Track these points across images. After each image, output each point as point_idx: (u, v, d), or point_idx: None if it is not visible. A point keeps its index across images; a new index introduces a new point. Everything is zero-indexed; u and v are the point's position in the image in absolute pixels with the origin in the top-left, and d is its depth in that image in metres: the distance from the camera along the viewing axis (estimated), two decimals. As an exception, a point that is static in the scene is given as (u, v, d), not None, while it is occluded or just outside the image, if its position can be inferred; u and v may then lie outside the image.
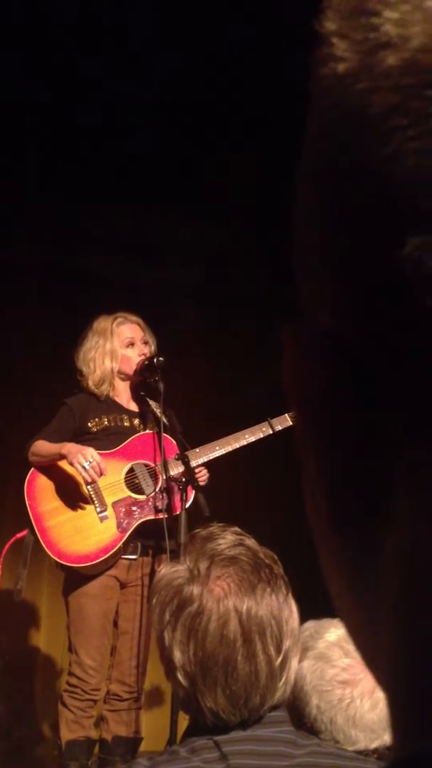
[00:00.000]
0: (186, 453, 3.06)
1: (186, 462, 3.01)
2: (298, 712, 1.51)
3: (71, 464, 2.97)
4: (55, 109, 4.00)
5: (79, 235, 4.44)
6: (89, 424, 3.16)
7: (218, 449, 3.17)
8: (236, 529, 1.20)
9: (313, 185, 0.28)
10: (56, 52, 3.74)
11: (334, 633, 1.52)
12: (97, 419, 3.18)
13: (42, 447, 3.06)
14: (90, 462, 2.94)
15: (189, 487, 2.99)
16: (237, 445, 3.20)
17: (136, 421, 3.23)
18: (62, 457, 3.00)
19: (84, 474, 2.95)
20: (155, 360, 3.15)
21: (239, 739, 1.09)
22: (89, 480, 2.98)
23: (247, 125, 4.05)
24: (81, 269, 4.51)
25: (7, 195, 4.14)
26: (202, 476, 3.15)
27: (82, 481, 3.02)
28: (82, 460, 2.94)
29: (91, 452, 2.97)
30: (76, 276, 4.47)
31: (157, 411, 3.15)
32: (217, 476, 3.26)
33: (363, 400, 0.27)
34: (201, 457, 3.14)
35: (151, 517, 3.06)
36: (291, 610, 1.14)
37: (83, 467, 2.94)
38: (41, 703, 4.17)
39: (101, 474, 2.98)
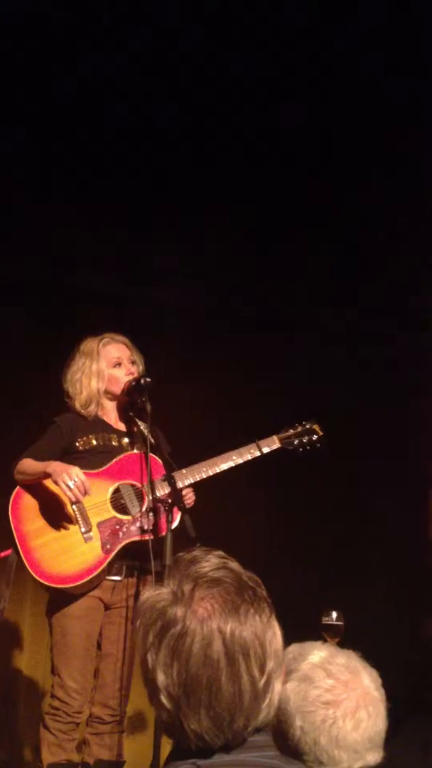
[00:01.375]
0: (173, 474, 3.06)
1: (172, 483, 3.01)
2: (282, 734, 1.50)
3: (56, 483, 2.96)
4: (49, 125, 4.03)
5: (68, 253, 4.46)
6: (77, 443, 3.16)
7: (205, 470, 3.17)
8: (220, 552, 1.20)
9: None
10: (53, 64, 3.77)
11: (317, 655, 1.53)
12: (84, 438, 3.17)
13: (28, 465, 3.05)
14: (75, 481, 2.93)
15: (175, 509, 2.98)
16: (224, 467, 3.20)
17: (125, 441, 3.23)
18: (47, 475, 2.99)
19: (68, 493, 2.94)
20: (142, 380, 3.15)
21: (222, 764, 1.08)
22: (73, 499, 2.97)
23: (243, 142, 4.09)
24: (70, 286, 4.51)
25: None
26: (189, 498, 3.14)
27: (67, 501, 3.01)
28: (66, 479, 2.93)
29: (75, 471, 2.96)
30: (65, 293, 4.48)
31: (145, 431, 3.15)
32: (204, 498, 3.25)
33: None
34: (188, 478, 3.13)
35: (137, 538, 3.05)
36: (274, 632, 1.14)
37: (68, 486, 2.93)
38: (23, 725, 4.12)
39: (86, 493, 2.97)
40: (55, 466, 2.98)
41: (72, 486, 2.93)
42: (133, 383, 3.18)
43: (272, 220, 4.41)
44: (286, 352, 4.72)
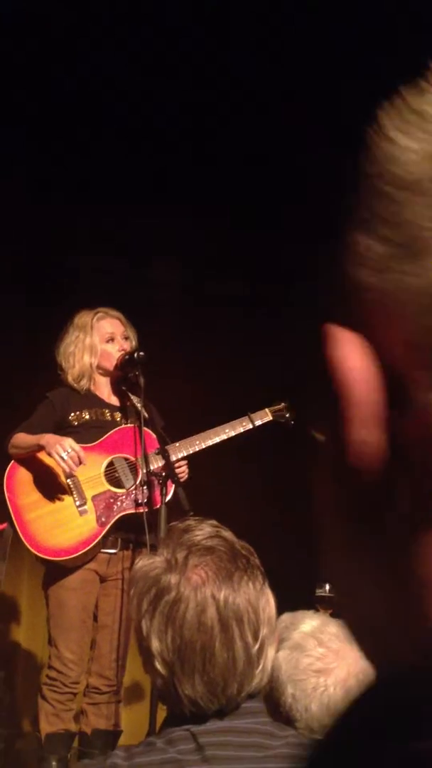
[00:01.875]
0: (166, 447, 3.06)
1: (166, 456, 3.02)
2: (273, 702, 1.52)
3: (49, 454, 2.97)
4: (46, 110, 3.99)
5: (61, 233, 4.43)
6: (70, 417, 3.16)
7: (198, 443, 3.18)
8: (213, 521, 1.21)
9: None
10: (51, 49, 3.73)
11: (308, 624, 1.54)
12: (78, 413, 3.18)
13: (21, 439, 3.06)
14: (68, 452, 2.94)
15: (169, 482, 2.99)
16: (217, 440, 3.21)
17: (118, 415, 3.23)
18: (41, 447, 2.99)
19: (62, 464, 2.95)
20: (136, 355, 3.15)
21: (216, 730, 1.09)
22: (67, 470, 2.98)
23: (238, 125, 4.06)
24: (63, 267, 4.50)
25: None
26: (183, 471, 3.15)
27: (61, 474, 3.02)
28: (60, 450, 2.94)
29: (69, 442, 2.97)
30: (59, 273, 4.46)
31: (138, 405, 3.15)
32: (198, 471, 3.26)
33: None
34: (181, 451, 3.14)
35: (131, 510, 3.07)
36: (267, 599, 1.15)
37: (61, 457, 2.94)
38: (21, 697, 4.17)
39: (80, 463, 2.98)
40: (48, 438, 2.98)
41: (66, 457, 2.93)
42: (127, 357, 3.18)
43: (267, 197, 4.39)
44: (280, 325, 4.71)
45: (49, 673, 3.03)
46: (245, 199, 4.36)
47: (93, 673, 3.09)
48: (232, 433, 3.24)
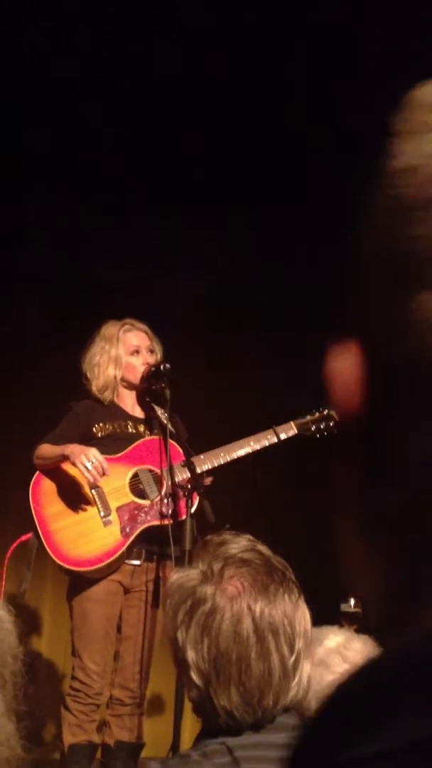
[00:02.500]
0: (192, 459, 3.06)
1: (192, 468, 3.01)
2: (299, 718, 1.52)
3: (74, 464, 2.98)
4: (63, 115, 4.03)
5: (85, 242, 4.46)
6: (94, 429, 3.17)
7: (223, 456, 3.17)
8: (249, 536, 1.22)
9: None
10: (63, 57, 3.77)
11: (333, 640, 1.54)
12: (101, 424, 3.19)
13: (46, 450, 3.08)
14: (93, 462, 2.95)
15: (194, 494, 2.99)
16: (242, 453, 3.20)
17: (141, 428, 3.24)
18: (65, 458, 3.01)
19: (86, 474, 2.96)
20: (162, 367, 3.15)
21: (252, 744, 1.09)
22: (91, 480, 2.99)
23: (255, 135, 4.07)
24: (87, 276, 4.52)
25: (13, 200, 4.16)
26: (206, 481, 3.15)
27: (86, 485, 3.03)
28: (84, 460, 2.95)
29: (93, 452, 2.98)
30: (82, 282, 4.49)
31: (163, 417, 3.15)
32: (222, 483, 3.26)
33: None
34: (206, 463, 3.14)
35: (156, 522, 3.07)
36: (303, 613, 1.15)
37: (86, 467, 2.95)
38: (44, 707, 4.17)
39: (104, 474, 2.99)
40: (72, 448, 3.00)
41: (90, 467, 2.94)
42: (152, 369, 3.19)
43: (294, 211, 4.41)
44: (304, 338, 4.71)
45: (72, 684, 3.02)
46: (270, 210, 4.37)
47: (116, 685, 3.09)
48: (257, 447, 3.23)
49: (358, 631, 1.67)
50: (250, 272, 4.65)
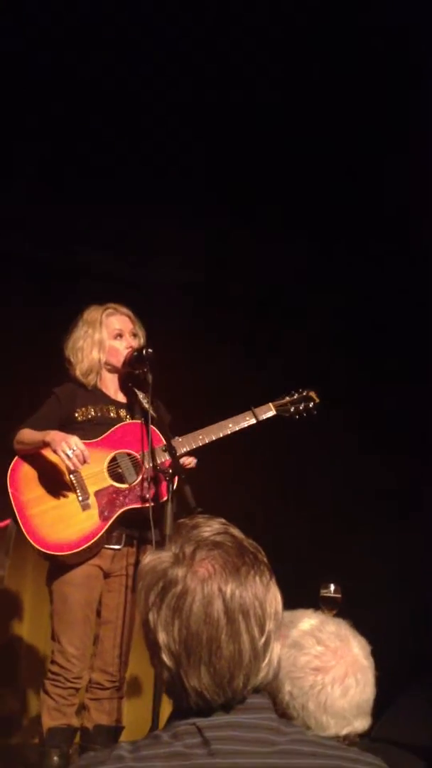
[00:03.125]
0: (173, 444, 3.06)
1: (173, 453, 3.01)
2: (271, 698, 1.52)
3: (55, 452, 2.97)
4: (53, 106, 3.99)
5: (72, 232, 4.44)
6: (75, 414, 3.16)
7: (201, 438, 3.17)
8: (222, 519, 1.22)
9: None
10: (54, 50, 3.73)
11: (307, 623, 1.55)
12: (83, 409, 3.18)
13: (26, 435, 3.06)
14: (73, 450, 2.94)
15: (174, 478, 2.99)
16: (221, 434, 3.20)
17: (123, 412, 3.23)
18: (46, 444, 3.00)
19: (67, 462, 2.95)
20: (144, 351, 3.15)
21: (222, 725, 1.10)
22: (72, 468, 2.98)
23: (243, 123, 4.06)
24: (73, 266, 4.51)
25: (1, 191, 4.13)
26: (189, 463, 3.15)
27: (65, 470, 3.02)
28: (65, 447, 2.94)
29: (74, 440, 2.97)
30: (68, 272, 4.47)
31: (145, 402, 3.15)
32: (202, 467, 3.26)
33: None
34: (184, 446, 3.14)
35: (134, 506, 3.07)
36: (274, 595, 1.15)
37: (66, 455, 2.94)
38: (24, 691, 4.18)
39: (84, 462, 2.98)
40: (53, 435, 2.98)
41: (71, 455, 2.94)
42: (135, 354, 3.18)
43: (269, 198, 4.40)
44: (285, 324, 4.73)
45: (51, 667, 3.02)
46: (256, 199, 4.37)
47: (96, 669, 3.09)
48: (236, 428, 3.23)
49: (336, 615, 1.68)
50: (233, 261, 4.65)
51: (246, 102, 3.96)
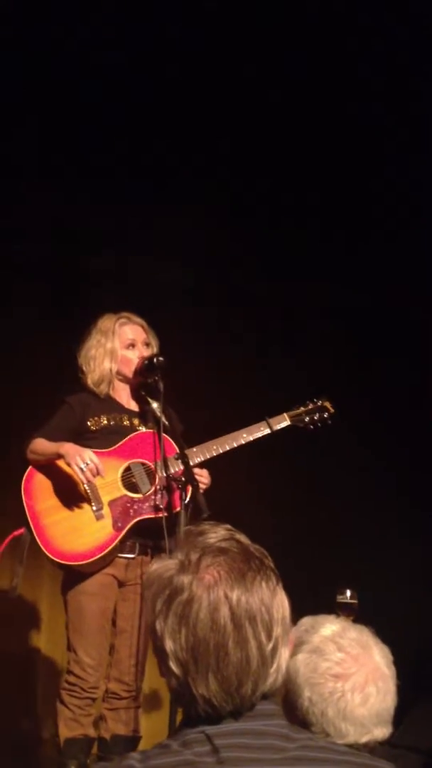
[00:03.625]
0: (185, 452, 3.06)
1: (186, 461, 3.01)
2: (290, 704, 1.52)
3: (68, 464, 2.98)
4: (56, 105, 4.01)
5: (78, 233, 4.46)
6: (88, 423, 3.17)
7: (215, 449, 3.17)
8: (228, 525, 1.21)
9: None
10: (58, 44, 3.75)
11: (329, 628, 1.54)
12: (96, 418, 3.18)
13: (40, 446, 3.07)
14: (87, 464, 2.95)
15: (187, 487, 2.99)
16: (235, 445, 3.20)
17: (136, 421, 3.24)
18: (60, 456, 3.00)
19: (81, 476, 2.96)
20: (155, 360, 3.15)
21: (231, 732, 1.09)
22: (86, 482, 2.98)
23: (248, 120, 4.06)
24: (80, 267, 4.52)
25: (6, 191, 4.15)
26: (203, 477, 3.15)
27: (79, 481, 3.03)
28: (79, 461, 2.95)
29: (89, 454, 2.97)
30: (76, 274, 4.48)
31: (157, 411, 3.15)
32: (217, 476, 3.26)
33: None
34: (198, 456, 3.14)
35: (148, 516, 3.07)
36: (281, 600, 1.15)
37: (80, 468, 2.95)
38: (42, 701, 4.17)
39: (98, 475, 2.99)
40: (68, 448, 2.99)
41: (84, 468, 2.94)
42: (146, 362, 3.18)
43: (275, 194, 4.40)
44: (294, 327, 4.72)
45: (68, 678, 3.03)
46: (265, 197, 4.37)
47: (112, 679, 3.09)
48: (250, 438, 3.23)
49: (354, 621, 1.67)
50: (247, 260, 4.64)
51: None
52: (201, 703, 1.10)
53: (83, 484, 3.01)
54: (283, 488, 4.50)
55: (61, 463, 3.05)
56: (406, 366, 4.59)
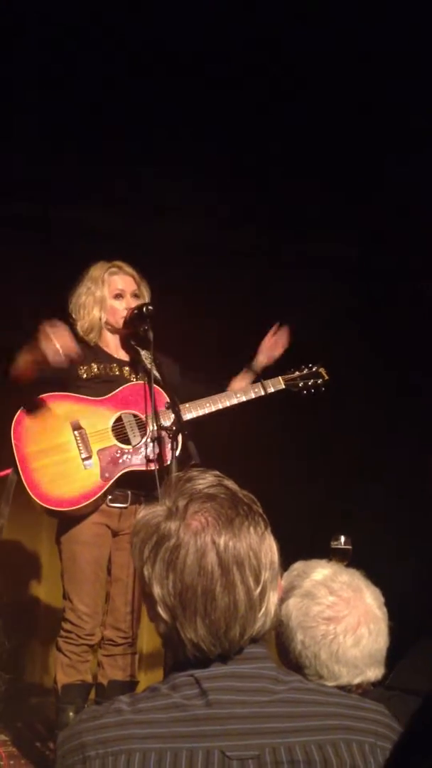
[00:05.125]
0: (176, 402, 3.04)
1: (176, 411, 3.00)
2: (283, 648, 1.53)
3: (41, 344, 2.83)
4: (54, 64, 3.90)
5: (76, 189, 4.39)
6: (79, 371, 3.14)
7: (208, 406, 3.17)
8: (216, 471, 1.21)
9: None
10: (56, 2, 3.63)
11: (320, 573, 1.55)
12: (86, 366, 3.16)
13: (18, 358, 2.94)
14: (56, 327, 2.84)
15: (179, 438, 2.98)
16: (228, 404, 3.21)
17: (126, 370, 3.21)
18: (34, 348, 2.86)
19: (55, 343, 2.81)
20: (144, 309, 3.11)
21: (219, 675, 1.10)
22: (60, 350, 2.83)
23: (247, 79, 3.97)
24: (78, 222, 4.46)
25: (4, 149, 4.07)
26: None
27: (69, 426, 3.01)
28: (48, 331, 2.82)
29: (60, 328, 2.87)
30: (74, 229, 4.43)
31: (147, 361, 3.12)
32: (214, 426, 3.26)
33: None
34: (190, 412, 3.14)
35: (138, 467, 3.06)
36: (269, 545, 1.14)
37: (49, 334, 2.82)
38: (40, 649, 4.23)
39: (74, 350, 2.87)
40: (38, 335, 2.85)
41: (53, 333, 2.83)
42: (135, 311, 3.14)
43: (274, 153, 4.32)
44: (292, 288, 4.68)
45: (64, 625, 3.06)
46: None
47: (108, 626, 3.13)
48: (243, 398, 3.26)
49: (347, 566, 1.68)
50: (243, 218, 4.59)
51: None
52: (189, 648, 1.10)
53: (61, 352, 2.85)
54: (282, 435, 4.52)
55: (52, 406, 3.03)
56: (416, 320, 4.57)
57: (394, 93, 3.96)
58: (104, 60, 3.86)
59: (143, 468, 3.05)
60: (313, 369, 3.37)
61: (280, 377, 3.33)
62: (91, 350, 3.19)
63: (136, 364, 3.22)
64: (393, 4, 3.48)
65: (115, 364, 3.21)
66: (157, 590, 1.11)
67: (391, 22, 3.57)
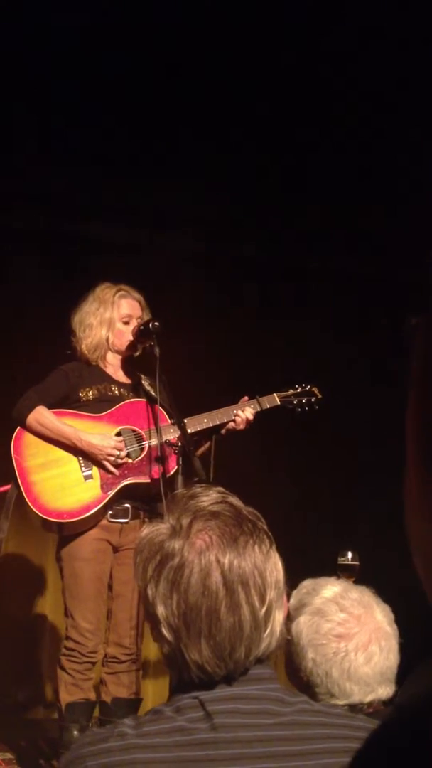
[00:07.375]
0: (182, 418, 3.05)
1: (182, 426, 3.00)
2: (294, 666, 1.51)
3: (94, 463, 3.03)
4: (57, 72, 3.91)
5: (80, 201, 4.40)
6: (80, 393, 3.16)
7: (206, 422, 3.17)
8: (220, 488, 1.19)
9: None
10: (61, 12, 3.64)
11: (330, 590, 1.54)
12: (87, 388, 3.17)
13: (51, 422, 3.06)
14: (114, 455, 3.02)
15: (180, 453, 2.99)
16: (225, 419, 3.22)
17: (125, 391, 3.23)
18: (76, 446, 3.03)
19: (113, 470, 3.04)
20: (150, 325, 3.12)
21: (224, 698, 1.07)
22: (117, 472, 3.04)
23: (252, 87, 3.97)
24: (81, 235, 4.47)
25: (7, 159, 4.08)
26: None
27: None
28: (108, 461, 3.03)
29: (109, 447, 3.03)
30: (76, 241, 4.43)
31: (146, 383, 3.14)
32: (221, 444, 3.26)
33: None
34: (188, 428, 3.13)
35: (137, 480, 3.07)
36: (275, 563, 1.12)
37: (109, 462, 3.02)
38: (46, 668, 4.20)
39: (123, 454, 3.06)
40: (89, 447, 3.03)
41: (113, 459, 3.02)
42: (141, 327, 3.15)
43: (283, 167, 4.32)
44: (295, 302, 4.68)
45: (66, 643, 3.05)
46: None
47: (111, 643, 3.11)
48: (241, 415, 3.24)
49: (355, 582, 1.66)
50: (248, 231, 4.59)
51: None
52: (194, 669, 1.08)
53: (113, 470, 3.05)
54: (288, 453, 4.50)
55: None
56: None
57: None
58: (107, 73, 3.87)
59: (143, 481, 3.05)
60: (307, 388, 3.41)
61: (275, 394, 3.35)
62: (92, 370, 3.21)
63: (136, 386, 3.23)
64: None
65: (113, 385, 3.22)
66: (161, 610, 1.09)
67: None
